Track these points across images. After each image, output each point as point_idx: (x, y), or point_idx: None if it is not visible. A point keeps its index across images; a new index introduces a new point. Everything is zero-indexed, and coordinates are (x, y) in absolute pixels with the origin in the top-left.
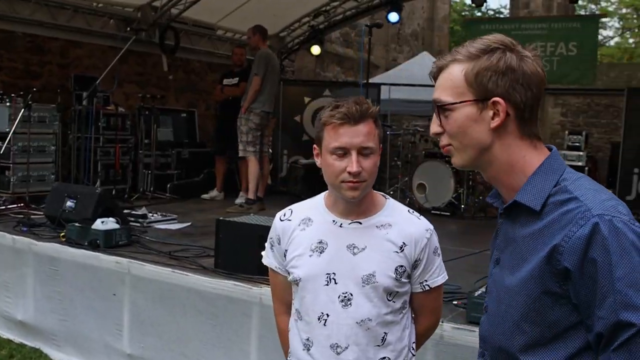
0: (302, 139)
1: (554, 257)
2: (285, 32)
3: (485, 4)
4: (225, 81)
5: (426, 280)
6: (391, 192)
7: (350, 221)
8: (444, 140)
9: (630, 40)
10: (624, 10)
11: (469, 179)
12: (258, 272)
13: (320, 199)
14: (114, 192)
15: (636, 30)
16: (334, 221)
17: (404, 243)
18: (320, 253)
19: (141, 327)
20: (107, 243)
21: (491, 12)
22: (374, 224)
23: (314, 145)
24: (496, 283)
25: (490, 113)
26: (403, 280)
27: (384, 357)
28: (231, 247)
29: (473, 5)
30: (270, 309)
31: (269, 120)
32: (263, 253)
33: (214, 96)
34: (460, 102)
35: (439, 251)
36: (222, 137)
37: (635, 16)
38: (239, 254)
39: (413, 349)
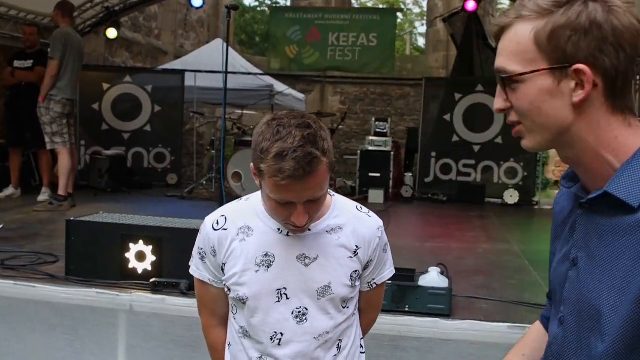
0: (101, 128)
1: None
2: (76, 13)
3: None
4: (17, 63)
5: (374, 279)
6: (204, 182)
7: None
8: (512, 117)
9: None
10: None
11: None
12: (122, 277)
13: (256, 202)
14: None
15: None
16: (279, 230)
17: (357, 246)
18: (268, 267)
19: None
20: None
21: (268, 2)
22: (323, 229)
23: (251, 165)
24: (575, 291)
25: (572, 84)
26: (356, 284)
27: None
28: (86, 251)
29: None
30: (142, 316)
31: (73, 107)
32: (191, 263)
33: (2, 80)
34: (531, 72)
35: (388, 246)
36: (15, 127)
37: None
38: (97, 258)
39: (362, 345)
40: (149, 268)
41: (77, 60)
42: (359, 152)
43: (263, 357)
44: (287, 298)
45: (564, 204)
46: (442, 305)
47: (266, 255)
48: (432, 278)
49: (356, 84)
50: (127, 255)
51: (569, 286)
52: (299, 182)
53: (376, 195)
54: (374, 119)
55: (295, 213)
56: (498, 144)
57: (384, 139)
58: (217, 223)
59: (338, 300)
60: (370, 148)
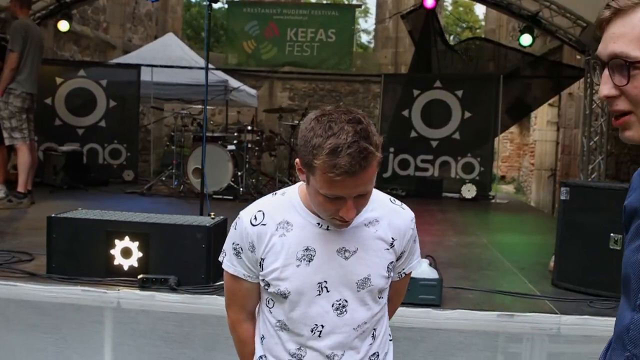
0: (54, 123)
1: None
2: None
3: None
4: None
5: (404, 269)
6: (163, 179)
7: None
8: (620, 105)
9: None
10: None
11: (246, 161)
12: (107, 274)
13: (293, 196)
14: None
15: None
16: (318, 224)
17: (393, 238)
18: (309, 262)
19: None
20: None
21: None
22: (361, 222)
23: (297, 160)
24: None
25: None
26: (391, 275)
27: (375, 353)
28: (69, 248)
29: None
30: (130, 313)
31: (32, 102)
32: (223, 259)
33: None
34: None
35: (417, 237)
36: None
37: None
38: (80, 255)
39: (390, 334)
40: (135, 264)
41: (37, 53)
42: None
43: (302, 348)
44: (328, 291)
45: (636, 190)
46: (433, 295)
47: (307, 249)
48: (423, 270)
49: (305, 80)
50: (112, 251)
51: None
52: (353, 177)
53: None
54: None
55: (345, 208)
56: (455, 140)
57: None
58: (255, 218)
59: (376, 291)
60: None
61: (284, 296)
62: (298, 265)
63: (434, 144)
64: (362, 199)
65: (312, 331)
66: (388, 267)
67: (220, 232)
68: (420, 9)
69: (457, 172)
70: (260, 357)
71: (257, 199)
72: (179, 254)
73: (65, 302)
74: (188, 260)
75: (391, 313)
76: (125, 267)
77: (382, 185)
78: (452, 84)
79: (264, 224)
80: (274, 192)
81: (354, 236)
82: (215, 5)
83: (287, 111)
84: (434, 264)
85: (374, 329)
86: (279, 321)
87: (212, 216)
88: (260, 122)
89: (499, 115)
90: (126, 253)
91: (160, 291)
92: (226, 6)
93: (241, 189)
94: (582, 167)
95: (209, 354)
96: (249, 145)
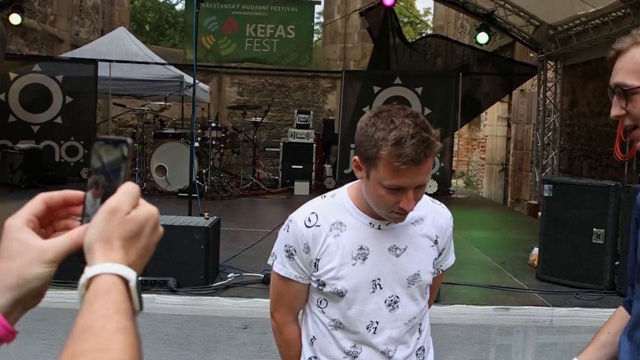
0: (8, 120)
1: None
2: None
3: None
4: None
5: (441, 265)
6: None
7: (387, 222)
8: (627, 122)
9: None
10: None
11: (210, 158)
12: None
13: (344, 198)
14: None
15: None
16: (370, 224)
17: (437, 236)
18: (364, 260)
19: None
20: None
21: None
22: (408, 221)
23: (355, 157)
24: None
25: None
26: (434, 270)
27: (421, 347)
28: None
29: None
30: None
31: None
32: (273, 262)
33: None
34: None
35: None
36: None
37: None
38: (73, 258)
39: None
40: None
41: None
42: (281, 144)
43: (357, 345)
44: (381, 288)
45: None
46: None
47: (361, 248)
48: None
49: (253, 74)
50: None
51: None
52: (416, 166)
53: (302, 188)
54: (296, 112)
55: (405, 198)
56: None
57: (306, 131)
58: (309, 220)
59: (424, 286)
60: (293, 140)
61: (340, 295)
62: (354, 264)
63: None
64: (419, 190)
65: (367, 328)
66: (433, 263)
67: (216, 232)
68: (379, 6)
69: None
70: (310, 358)
71: (222, 196)
72: (176, 256)
73: (61, 307)
74: (186, 261)
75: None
76: None
77: (343, 181)
78: (411, 80)
79: (318, 225)
80: (323, 195)
81: (403, 234)
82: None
83: (250, 108)
84: None
85: (420, 324)
86: (333, 320)
87: (206, 216)
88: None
89: (458, 112)
90: None
91: (160, 293)
92: (184, 1)
93: (206, 187)
94: (535, 162)
95: (210, 355)
96: (213, 142)
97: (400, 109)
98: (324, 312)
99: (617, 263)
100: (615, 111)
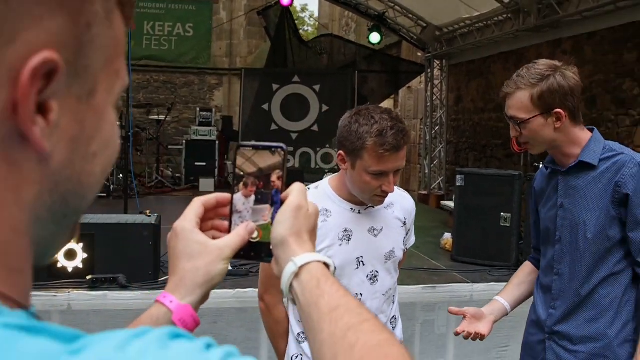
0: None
1: (616, 190)
2: None
3: None
4: None
5: (406, 244)
6: None
7: (365, 207)
8: (522, 139)
9: None
10: None
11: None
12: (50, 277)
13: (327, 188)
14: None
15: None
16: (352, 209)
17: (405, 218)
18: (348, 240)
19: None
20: None
21: None
22: (382, 206)
23: (340, 152)
24: (566, 219)
25: (554, 119)
26: (404, 248)
27: (394, 316)
28: None
29: None
30: (81, 314)
31: None
32: None
33: None
34: (532, 118)
35: None
36: None
37: None
38: None
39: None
40: (80, 265)
41: None
42: (184, 141)
43: None
44: (364, 264)
45: (541, 180)
46: None
47: (345, 230)
48: None
49: (138, 71)
50: None
51: (560, 218)
52: (396, 152)
53: (207, 184)
54: (198, 109)
55: (387, 182)
56: (314, 132)
57: (209, 128)
58: None
59: (397, 262)
60: (196, 137)
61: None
62: (340, 245)
63: (294, 136)
64: (397, 174)
65: None
66: (403, 242)
67: (160, 228)
68: (276, 6)
69: (317, 163)
70: (299, 334)
71: (130, 195)
72: (125, 253)
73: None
74: (135, 258)
75: None
76: (70, 269)
77: None
78: (309, 78)
79: None
80: (308, 186)
81: (379, 217)
82: None
83: (154, 105)
84: None
85: (393, 295)
86: None
87: (148, 214)
88: None
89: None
90: (70, 255)
91: (111, 290)
92: None
93: (112, 186)
94: (424, 154)
95: None
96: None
97: (377, 107)
98: None
99: (521, 243)
100: (513, 133)
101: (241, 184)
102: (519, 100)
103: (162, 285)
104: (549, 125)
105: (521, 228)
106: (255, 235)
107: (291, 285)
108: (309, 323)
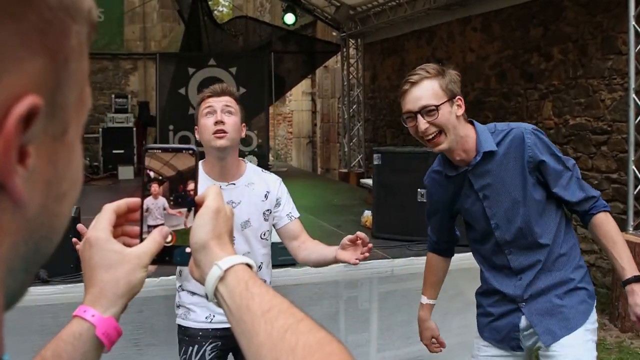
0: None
1: (529, 161)
2: None
3: None
4: None
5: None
6: None
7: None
8: (432, 130)
9: None
10: None
11: None
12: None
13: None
14: None
15: None
16: (213, 183)
17: (267, 191)
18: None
19: None
20: None
21: None
22: (243, 184)
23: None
24: (493, 207)
25: (456, 106)
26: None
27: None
28: None
29: None
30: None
31: None
32: None
33: None
34: (442, 103)
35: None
36: None
37: None
38: None
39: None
40: None
41: None
42: (100, 130)
43: None
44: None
45: (438, 188)
46: (290, 256)
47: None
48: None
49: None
50: None
51: (488, 209)
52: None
53: (126, 172)
54: (113, 96)
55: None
56: None
57: (125, 115)
58: None
59: (257, 232)
60: (112, 125)
61: None
62: None
63: None
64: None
65: None
66: (264, 214)
67: (80, 220)
68: None
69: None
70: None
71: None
72: None
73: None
74: (55, 252)
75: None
76: None
77: None
78: (225, 61)
79: None
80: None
81: (238, 194)
82: None
83: None
84: None
85: (261, 263)
86: None
87: None
88: None
89: (272, 90)
90: None
91: (32, 285)
92: None
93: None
94: (343, 133)
95: None
96: None
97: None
98: None
99: None
100: (423, 126)
101: (153, 188)
102: (430, 88)
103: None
104: (453, 113)
105: None
106: (169, 239)
107: (216, 290)
108: (241, 326)
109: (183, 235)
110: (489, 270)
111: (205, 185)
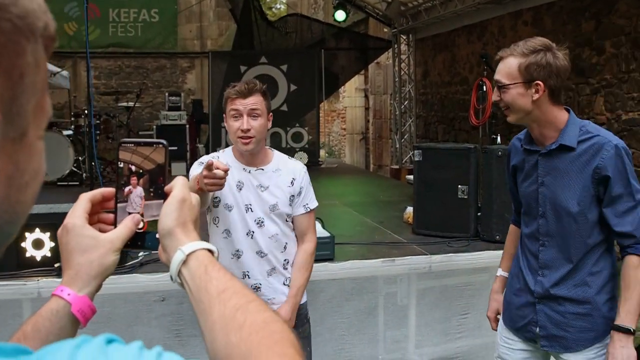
0: None
1: (596, 172)
2: None
3: None
4: None
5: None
6: None
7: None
8: (501, 104)
9: None
10: None
11: (85, 146)
12: (18, 267)
13: (229, 152)
14: None
15: None
16: (244, 169)
17: (294, 178)
18: (240, 190)
19: None
20: None
21: None
22: (270, 169)
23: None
24: (547, 196)
25: (533, 90)
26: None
27: (286, 259)
28: None
29: None
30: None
31: None
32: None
33: None
34: (514, 84)
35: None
36: None
37: None
38: None
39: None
40: (48, 254)
41: None
42: (154, 127)
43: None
44: (252, 211)
45: (516, 155)
46: (328, 251)
47: (239, 182)
48: (318, 229)
49: (109, 57)
50: (22, 244)
51: (542, 196)
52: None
53: (179, 168)
54: (167, 94)
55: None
56: (284, 112)
57: (178, 112)
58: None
59: (283, 214)
60: (166, 122)
61: (229, 209)
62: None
63: None
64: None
65: (247, 234)
66: (290, 199)
67: None
68: None
69: (288, 142)
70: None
71: (101, 183)
72: None
73: None
74: None
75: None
76: (38, 258)
77: None
78: (276, 59)
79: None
80: (218, 150)
81: (266, 179)
82: None
83: (123, 93)
84: (322, 225)
85: (286, 242)
86: (224, 230)
87: None
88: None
89: (323, 87)
90: (38, 244)
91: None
92: None
93: (84, 174)
94: (395, 129)
95: (131, 329)
96: (87, 130)
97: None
98: (217, 226)
99: (479, 214)
100: (495, 97)
101: (132, 180)
102: (507, 66)
103: (129, 269)
104: (527, 96)
105: (479, 200)
106: (141, 225)
107: (180, 272)
108: (200, 306)
109: (154, 222)
110: (522, 252)
111: (235, 169)
